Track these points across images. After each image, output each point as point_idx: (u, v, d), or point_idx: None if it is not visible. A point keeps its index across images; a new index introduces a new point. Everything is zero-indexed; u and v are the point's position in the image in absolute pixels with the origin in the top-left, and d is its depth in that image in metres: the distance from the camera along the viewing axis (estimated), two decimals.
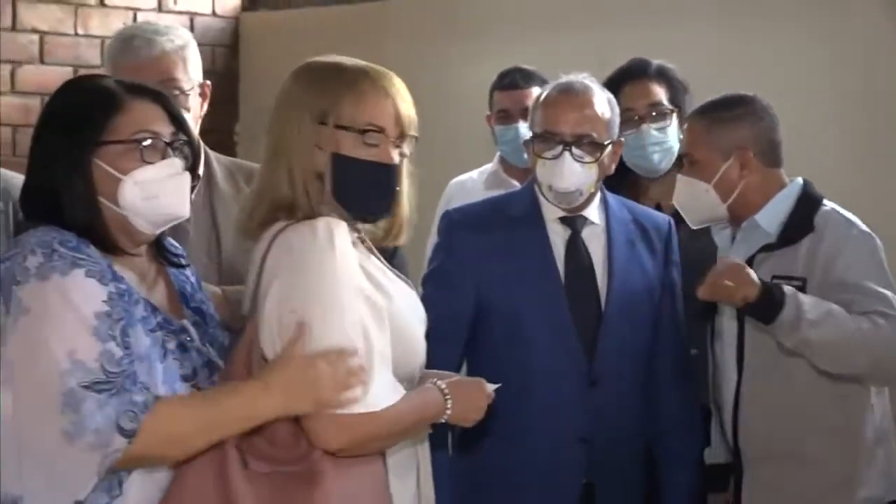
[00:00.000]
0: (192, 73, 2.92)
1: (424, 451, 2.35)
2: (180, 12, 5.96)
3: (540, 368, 2.80)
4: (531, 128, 2.91)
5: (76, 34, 5.61)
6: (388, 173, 2.25)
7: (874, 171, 4.02)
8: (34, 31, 5.45)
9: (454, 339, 2.81)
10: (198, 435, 2.04)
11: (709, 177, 2.81)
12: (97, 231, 2.12)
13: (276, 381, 2.04)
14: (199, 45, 5.89)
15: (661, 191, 3.26)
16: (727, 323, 2.90)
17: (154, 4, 5.86)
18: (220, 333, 2.32)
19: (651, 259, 2.93)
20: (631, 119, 3.19)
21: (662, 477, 2.96)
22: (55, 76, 5.06)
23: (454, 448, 2.89)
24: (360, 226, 2.32)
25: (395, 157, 2.24)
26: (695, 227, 2.94)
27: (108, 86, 2.21)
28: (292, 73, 2.33)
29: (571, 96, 2.83)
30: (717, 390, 2.95)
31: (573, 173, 2.77)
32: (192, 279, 2.33)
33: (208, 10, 6.11)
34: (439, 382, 2.21)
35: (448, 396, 2.21)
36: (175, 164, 2.17)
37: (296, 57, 4.30)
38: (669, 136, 3.24)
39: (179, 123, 2.22)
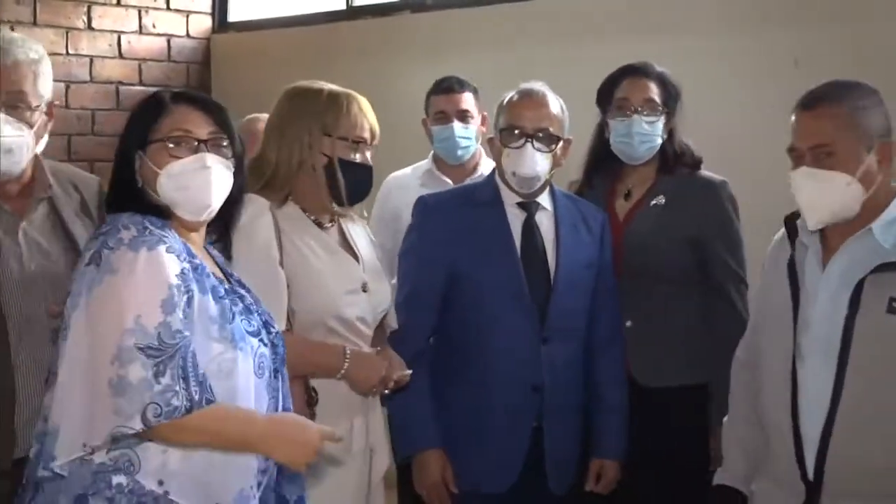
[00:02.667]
0: (41, 89, 2.61)
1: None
2: (159, 34, 6.07)
3: (500, 329, 2.94)
4: (496, 126, 3.04)
5: (67, 54, 5.71)
6: (370, 172, 2.76)
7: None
8: None
9: (429, 306, 2.99)
10: (213, 443, 2.15)
11: (851, 170, 2.35)
12: (166, 215, 2.22)
13: (276, 439, 2.19)
14: (175, 62, 6.24)
15: (634, 179, 3.26)
16: (820, 335, 2.39)
17: (136, 27, 5.96)
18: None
19: (590, 240, 3.06)
20: (625, 108, 3.19)
21: (595, 421, 3.09)
22: None
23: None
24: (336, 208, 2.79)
25: (370, 160, 2.75)
26: (815, 228, 2.43)
27: (160, 95, 2.32)
28: (288, 93, 2.80)
29: (532, 97, 2.98)
30: (795, 412, 2.41)
31: (534, 161, 2.92)
32: (221, 257, 2.43)
33: (183, 32, 6.20)
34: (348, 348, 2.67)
35: (348, 358, 2.65)
36: (204, 158, 2.23)
37: (261, 73, 4.61)
38: (656, 131, 3.20)
39: (222, 126, 2.29)
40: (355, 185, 2.75)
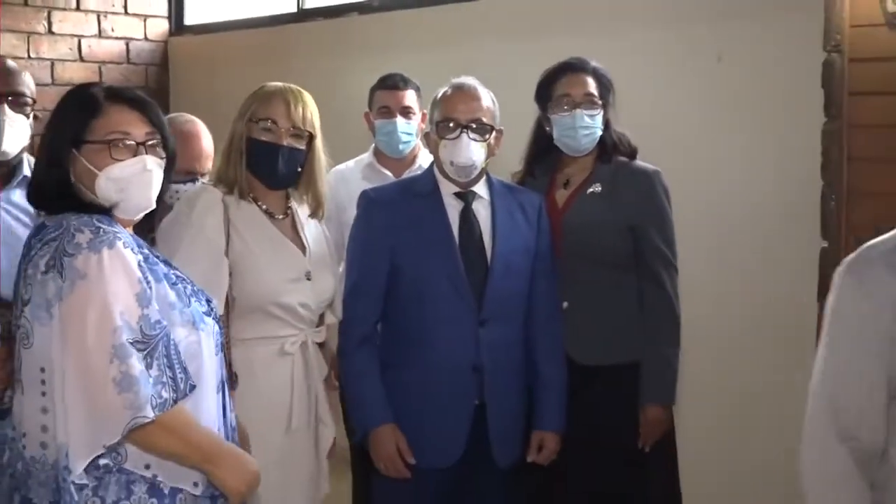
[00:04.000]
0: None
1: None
2: (117, 37, 6.10)
3: (440, 313, 3.00)
4: (432, 120, 3.10)
5: (29, 58, 5.73)
6: (276, 150, 2.80)
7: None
8: None
9: (374, 294, 3.03)
10: (177, 451, 2.17)
11: None
12: (103, 212, 2.20)
13: (232, 464, 2.24)
14: (134, 65, 6.27)
15: (573, 168, 3.29)
16: None
17: (95, 31, 5.99)
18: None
19: (527, 226, 3.10)
20: (567, 103, 3.22)
21: (536, 396, 3.14)
22: None
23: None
24: (292, 201, 2.91)
25: (285, 142, 2.80)
26: None
27: (93, 93, 2.25)
28: None
29: (464, 91, 3.05)
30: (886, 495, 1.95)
31: (469, 150, 2.98)
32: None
33: (141, 36, 6.23)
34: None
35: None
36: (145, 161, 2.22)
37: (216, 73, 4.61)
38: (596, 123, 3.22)
39: (157, 126, 2.27)
40: (264, 163, 2.82)
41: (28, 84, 3.11)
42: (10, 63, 3.17)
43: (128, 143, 2.22)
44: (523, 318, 3.13)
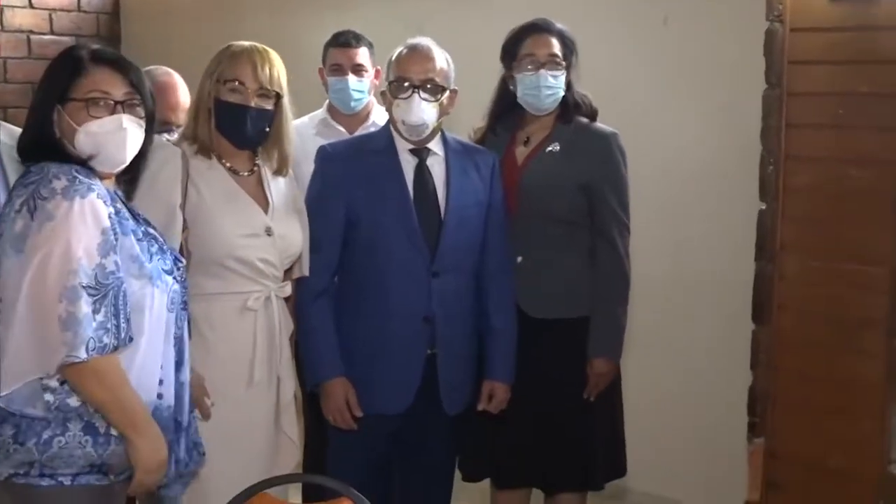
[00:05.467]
0: None
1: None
2: None
3: (394, 265, 3.04)
4: (387, 79, 3.12)
5: None
6: (244, 111, 2.81)
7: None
8: None
9: (331, 246, 3.06)
10: (106, 401, 2.23)
11: None
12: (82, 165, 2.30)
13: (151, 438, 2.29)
14: (85, 13, 6.14)
15: (534, 128, 3.31)
16: None
17: None
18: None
19: (480, 182, 3.15)
20: (531, 63, 3.23)
21: (487, 346, 3.19)
22: None
23: None
24: (258, 159, 2.92)
25: (253, 103, 2.81)
26: None
27: (78, 54, 2.37)
28: None
29: (418, 51, 3.07)
30: None
31: (421, 109, 3.01)
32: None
33: None
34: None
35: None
36: (121, 119, 2.33)
37: (169, 23, 4.55)
38: (560, 84, 3.24)
39: (135, 87, 2.38)
40: (231, 124, 2.84)
41: None
42: None
43: (107, 101, 2.33)
44: (475, 270, 3.17)
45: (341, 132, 3.84)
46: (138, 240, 2.34)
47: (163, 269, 2.39)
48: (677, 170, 4.16)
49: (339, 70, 3.88)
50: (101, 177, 2.35)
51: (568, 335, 3.26)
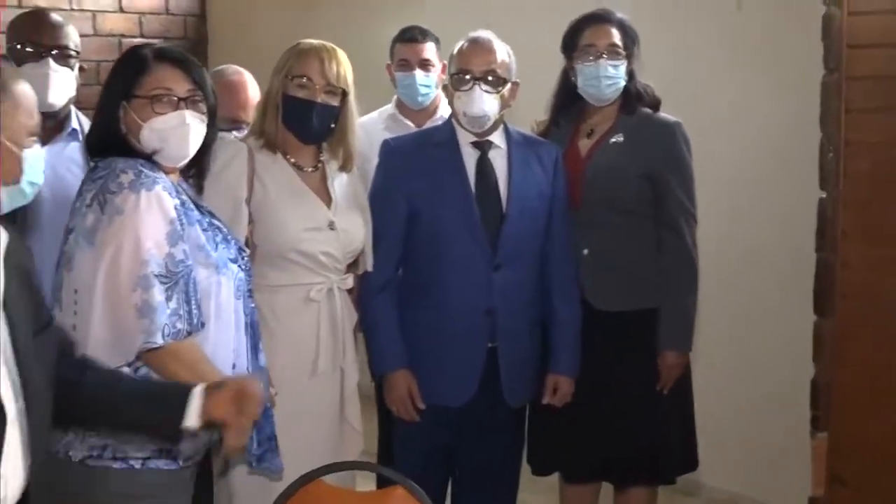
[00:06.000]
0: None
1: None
2: None
3: (456, 257, 3.05)
4: (449, 72, 3.14)
5: (71, 9, 5.76)
6: (311, 107, 2.86)
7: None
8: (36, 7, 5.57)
9: (393, 240, 3.09)
10: (188, 378, 2.21)
11: None
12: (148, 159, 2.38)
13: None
14: (174, 15, 6.30)
15: (597, 119, 3.30)
16: None
17: None
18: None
19: (543, 174, 3.14)
20: (591, 53, 3.22)
21: (551, 337, 3.19)
22: None
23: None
24: (323, 155, 2.98)
25: (319, 98, 2.85)
26: None
27: (142, 53, 2.44)
28: None
29: (479, 44, 3.08)
30: None
31: (482, 101, 3.02)
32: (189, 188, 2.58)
33: None
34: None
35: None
36: (184, 115, 2.40)
37: (254, 25, 4.62)
38: (620, 74, 3.23)
39: (198, 83, 2.44)
40: (297, 119, 2.89)
41: (72, 37, 3.15)
42: (55, 17, 3.21)
43: (170, 98, 2.40)
44: (538, 262, 3.16)
45: (409, 127, 3.86)
46: (203, 230, 2.42)
47: (228, 258, 2.46)
48: (737, 160, 4.10)
49: (406, 65, 3.92)
50: (166, 171, 2.42)
51: (635, 327, 3.24)
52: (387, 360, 3.13)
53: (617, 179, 3.22)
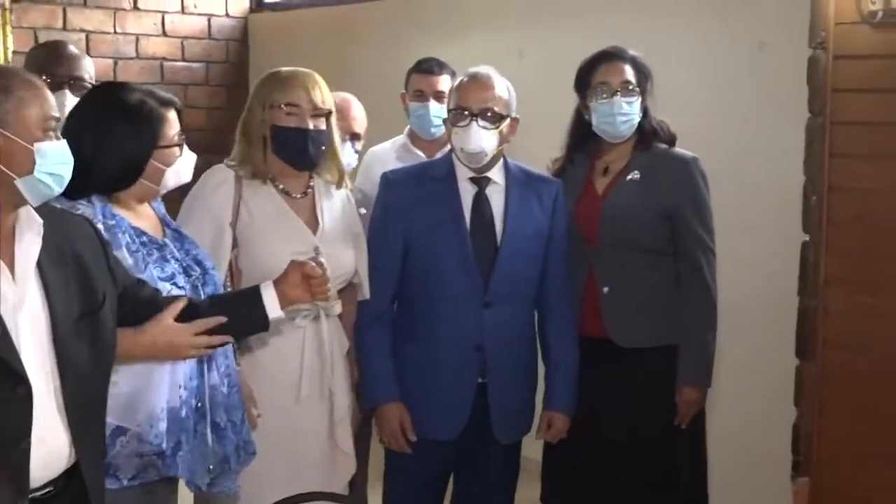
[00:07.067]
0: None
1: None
2: (200, 14, 6.22)
3: (447, 292, 3.04)
4: (448, 107, 3.13)
5: (115, 33, 5.89)
6: (304, 135, 2.90)
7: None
8: (81, 30, 5.76)
9: (389, 272, 3.09)
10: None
11: None
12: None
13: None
14: (216, 40, 6.41)
15: (612, 156, 3.29)
16: None
17: (178, 7, 6.11)
18: (194, 246, 2.62)
19: (541, 212, 3.11)
20: (605, 91, 3.21)
21: (548, 376, 3.18)
22: (99, 67, 5.51)
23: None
24: (314, 179, 3.01)
25: (311, 125, 2.90)
26: None
27: (152, 106, 2.49)
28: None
29: (477, 80, 3.05)
30: None
31: (479, 138, 3.00)
32: (162, 209, 2.65)
33: (222, 12, 6.34)
34: None
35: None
36: (186, 150, 2.56)
37: (295, 49, 4.64)
38: (634, 110, 3.21)
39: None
40: (290, 148, 2.92)
41: (87, 69, 3.25)
42: (71, 48, 3.31)
43: (182, 139, 2.59)
44: (532, 302, 3.15)
45: (420, 157, 3.86)
46: (133, 252, 2.42)
47: (158, 277, 2.45)
48: (730, 198, 4.01)
49: (421, 96, 3.93)
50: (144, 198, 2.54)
51: (656, 364, 3.22)
52: (379, 391, 3.13)
53: (635, 219, 3.20)
